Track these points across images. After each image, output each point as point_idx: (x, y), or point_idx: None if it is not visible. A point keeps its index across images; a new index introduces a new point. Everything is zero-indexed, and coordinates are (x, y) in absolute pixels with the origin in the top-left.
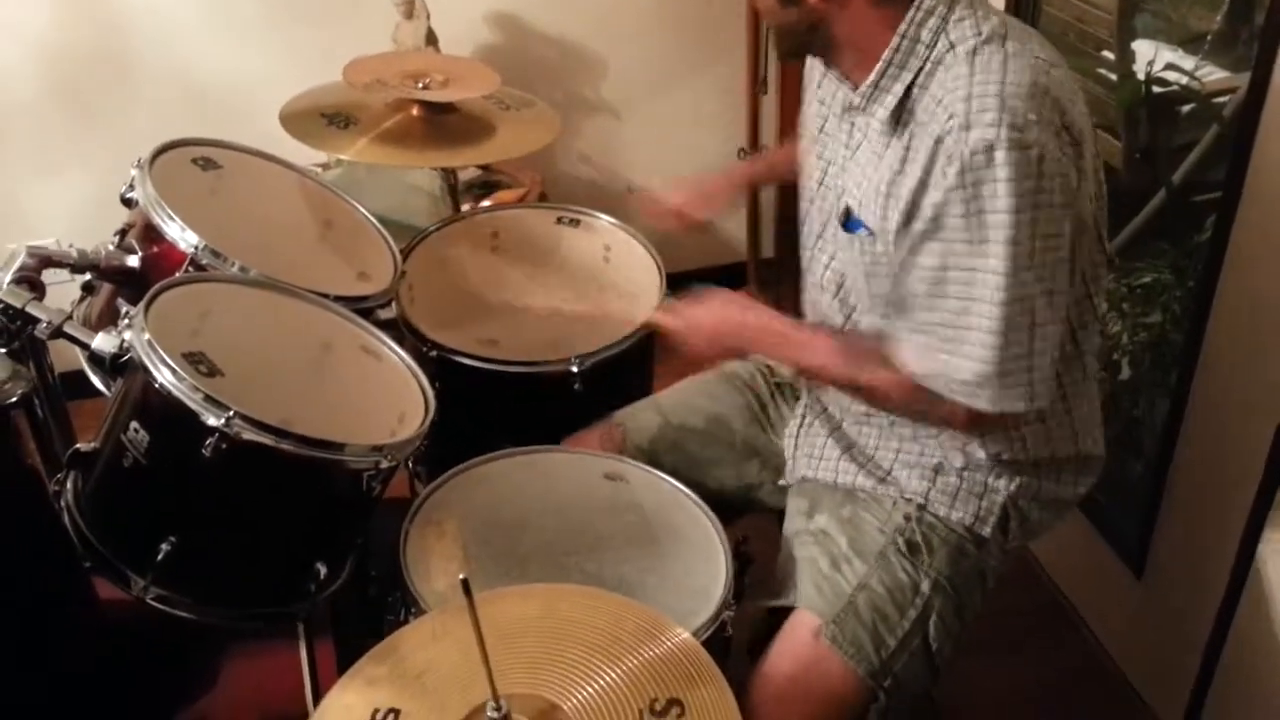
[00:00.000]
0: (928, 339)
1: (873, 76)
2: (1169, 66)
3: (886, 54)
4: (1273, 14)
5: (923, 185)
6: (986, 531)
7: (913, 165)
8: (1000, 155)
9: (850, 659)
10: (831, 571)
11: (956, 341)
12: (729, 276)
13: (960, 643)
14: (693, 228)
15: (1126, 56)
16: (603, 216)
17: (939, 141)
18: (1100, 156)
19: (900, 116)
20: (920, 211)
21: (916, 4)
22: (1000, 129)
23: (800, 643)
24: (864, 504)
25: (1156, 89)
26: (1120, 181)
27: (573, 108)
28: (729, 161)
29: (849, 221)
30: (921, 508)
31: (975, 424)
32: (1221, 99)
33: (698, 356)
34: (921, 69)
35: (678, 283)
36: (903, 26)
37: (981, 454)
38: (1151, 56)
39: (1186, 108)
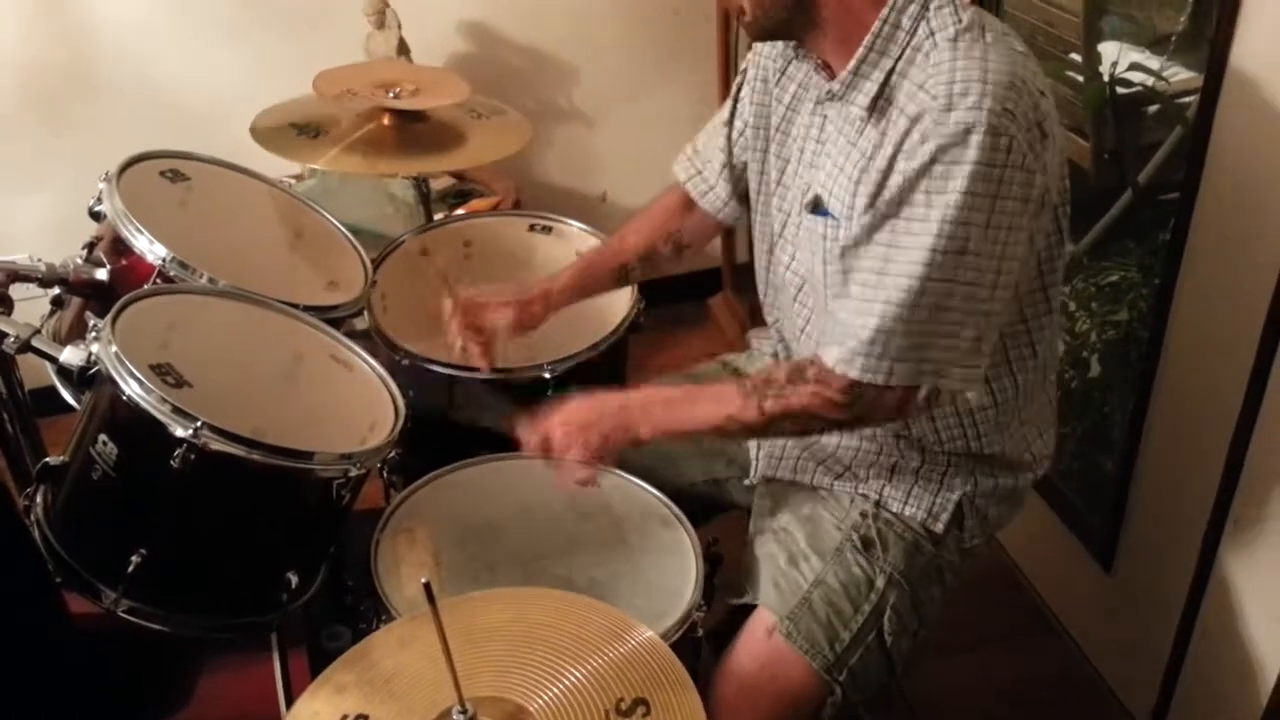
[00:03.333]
0: (839, 309)
1: (853, 63)
2: (1134, 67)
3: (868, 39)
4: (1224, 15)
5: (892, 163)
6: (940, 528)
7: (886, 147)
8: (975, 139)
9: (805, 654)
10: (789, 568)
11: (867, 300)
12: (704, 282)
13: (919, 638)
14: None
15: (1093, 58)
16: (575, 224)
17: (916, 120)
18: (1065, 153)
19: (878, 105)
20: (886, 190)
21: None
22: (981, 113)
23: (758, 640)
24: (823, 502)
25: (1122, 90)
26: (1088, 181)
27: (545, 116)
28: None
29: (817, 209)
30: (878, 504)
31: (903, 413)
32: (1186, 99)
33: (582, 450)
34: (901, 55)
35: (651, 290)
36: (885, 11)
37: (939, 452)
38: (1117, 57)
39: (1152, 108)
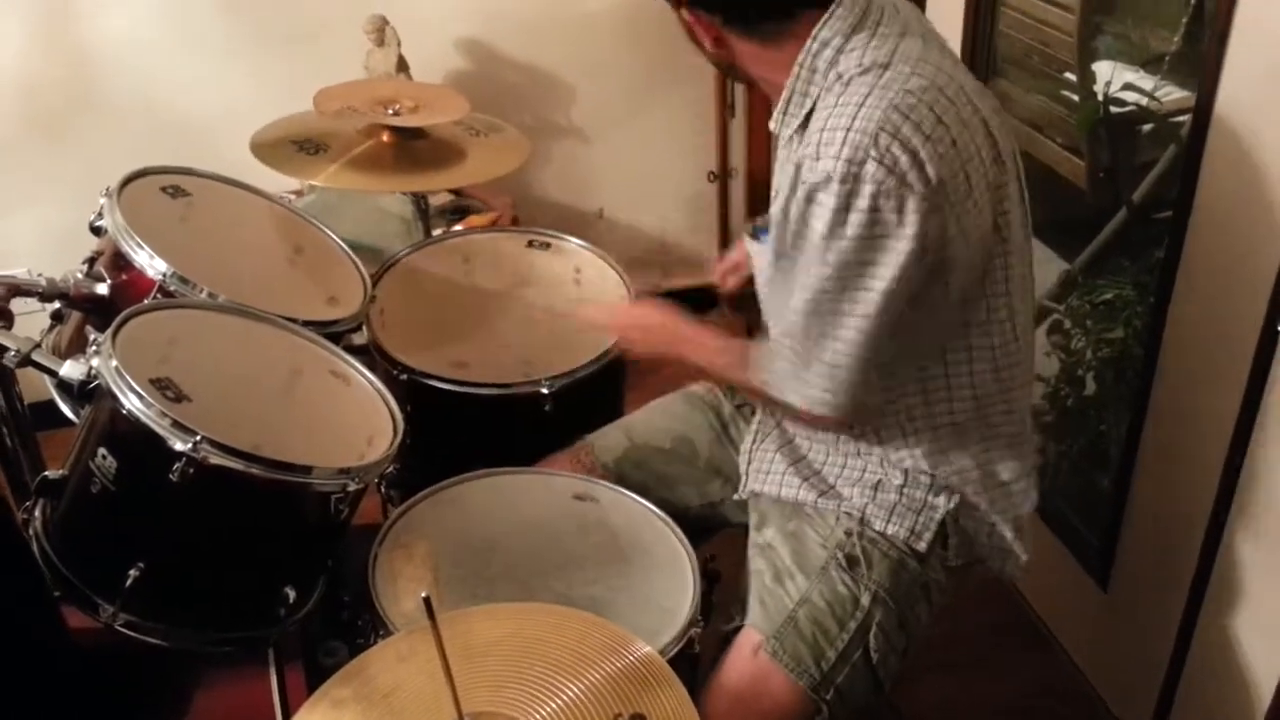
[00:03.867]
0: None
1: (779, 105)
2: (1127, 87)
3: (789, 83)
4: (1215, 35)
5: (788, 199)
6: (923, 546)
7: (785, 182)
8: (834, 187)
9: (791, 673)
10: (774, 586)
11: (780, 340)
12: (700, 297)
13: (907, 656)
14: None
15: (1088, 77)
16: (573, 240)
17: (799, 168)
18: (997, 184)
19: (798, 144)
20: (781, 228)
21: (812, 36)
22: (839, 163)
23: (745, 658)
24: (808, 519)
25: (1116, 109)
26: (1083, 200)
27: (543, 133)
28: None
29: (756, 233)
30: (863, 522)
31: (812, 419)
32: (1179, 119)
33: (630, 349)
34: (819, 96)
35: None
36: (801, 57)
37: (923, 472)
38: (1110, 77)
39: (1146, 127)
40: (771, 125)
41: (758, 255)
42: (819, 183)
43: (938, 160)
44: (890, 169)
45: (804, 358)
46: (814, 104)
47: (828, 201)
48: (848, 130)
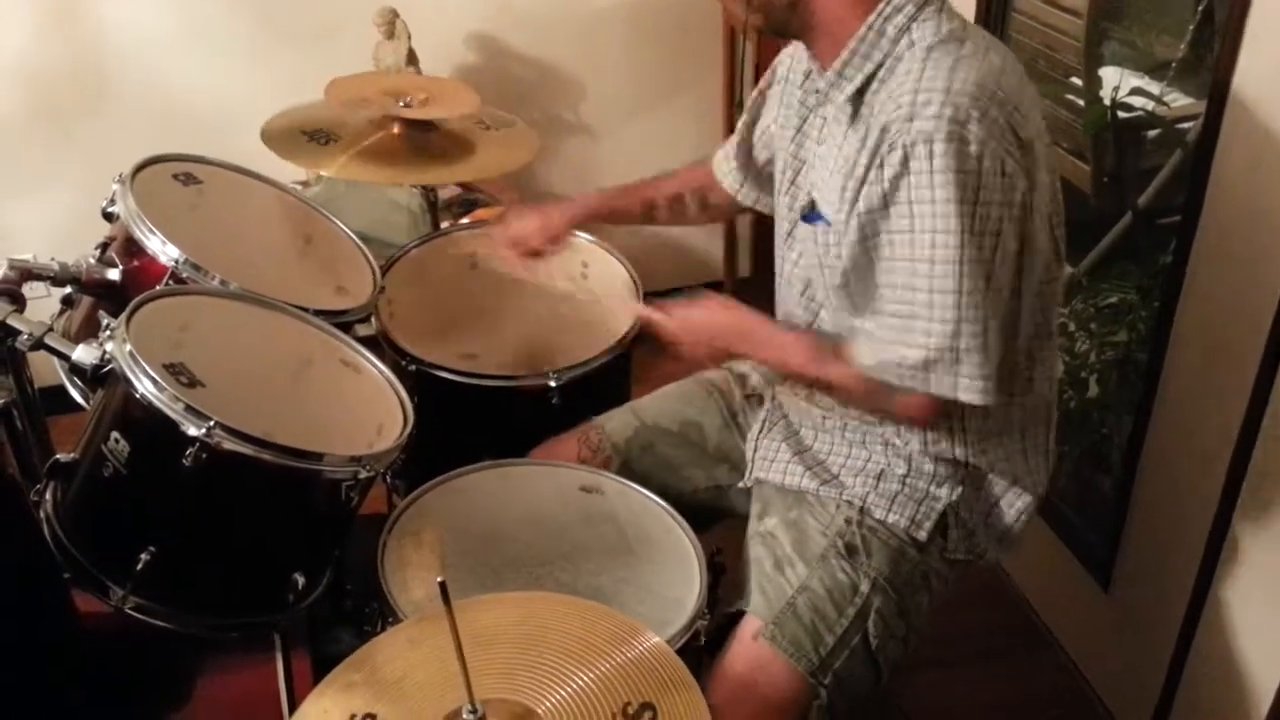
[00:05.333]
0: (876, 328)
1: (837, 63)
2: (1135, 92)
3: (853, 42)
4: (1226, 42)
5: (868, 173)
6: (923, 535)
7: (863, 155)
8: (939, 147)
9: (790, 657)
10: (775, 573)
11: (901, 330)
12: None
13: (908, 645)
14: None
15: (1094, 82)
16: (581, 234)
17: (885, 131)
18: (1056, 173)
19: (859, 108)
20: (867, 200)
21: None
22: (941, 121)
23: (746, 645)
24: (809, 507)
25: (1122, 114)
26: (1088, 205)
27: (551, 128)
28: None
29: (810, 214)
30: (863, 511)
31: (933, 411)
32: (1185, 124)
33: (690, 356)
34: (883, 63)
35: (654, 300)
36: (871, 18)
37: (926, 464)
38: (1118, 82)
39: (1152, 133)
40: (820, 84)
41: (810, 239)
42: (916, 142)
43: (1028, 130)
44: (991, 128)
45: (950, 340)
46: (875, 69)
47: (935, 162)
48: (946, 91)
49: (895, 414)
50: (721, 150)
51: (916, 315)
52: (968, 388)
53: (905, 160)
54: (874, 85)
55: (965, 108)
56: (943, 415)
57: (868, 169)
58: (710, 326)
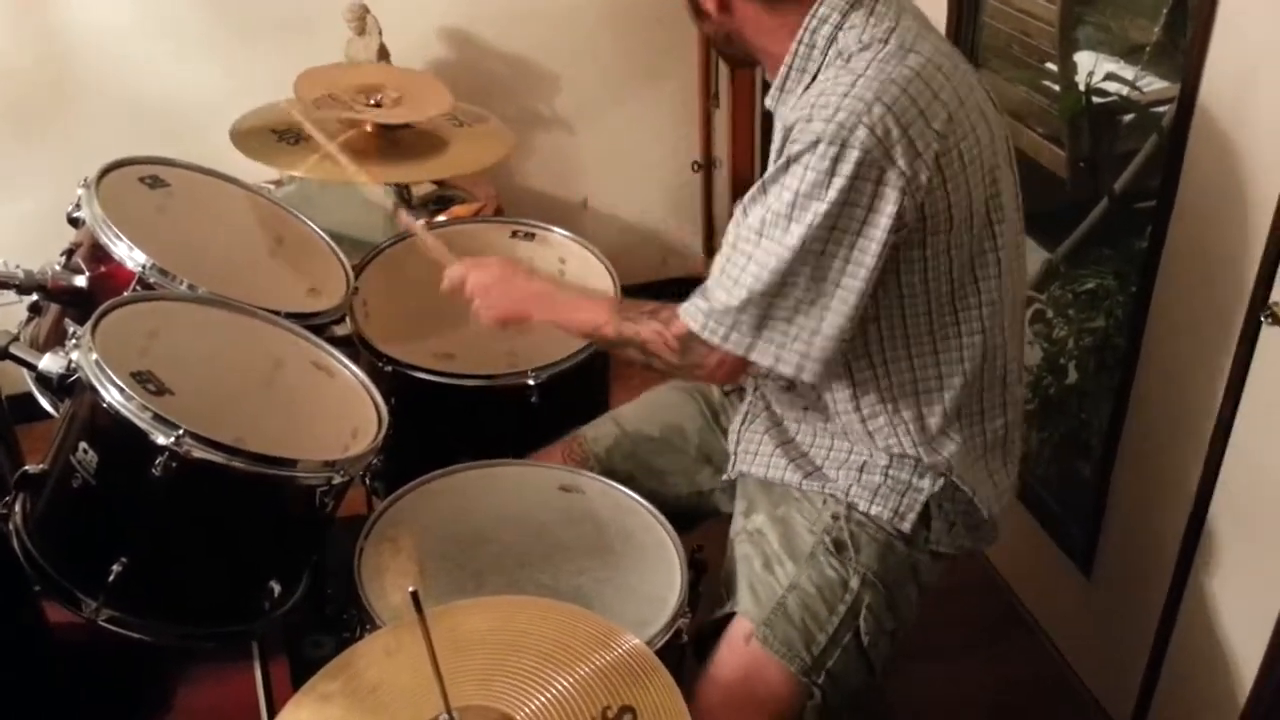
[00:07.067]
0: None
1: (777, 80)
2: (1109, 77)
3: (788, 59)
4: (1199, 26)
5: (772, 170)
6: (907, 527)
7: (774, 150)
8: (821, 149)
9: (783, 658)
10: (764, 573)
11: (718, 275)
12: (685, 289)
13: (898, 639)
14: None
15: (1069, 68)
16: (558, 230)
17: (789, 130)
18: (990, 165)
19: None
20: (764, 189)
21: (811, 13)
22: (830, 125)
23: (738, 647)
24: (796, 503)
25: (1097, 99)
26: (1064, 189)
27: (526, 122)
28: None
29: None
30: (850, 506)
31: (737, 368)
32: (1160, 109)
33: (486, 320)
34: (817, 74)
35: (633, 296)
36: (800, 33)
37: (909, 454)
38: (1092, 67)
39: (1127, 117)
40: (768, 102)
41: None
42: (807, 145)
43: (930, 137)
44: (880, 139)
45: (760, 313)
46: (811, 80)
47: (812, 163)
48: (844, 96)
49: (706, 370)
50: None
51: (740, 272)
52: (793, 362)
53: (791, 158)
54: (809, 91)
55: (859, 113)
56: (691, 353)
57: (774, 162)
58: (507, 290)
